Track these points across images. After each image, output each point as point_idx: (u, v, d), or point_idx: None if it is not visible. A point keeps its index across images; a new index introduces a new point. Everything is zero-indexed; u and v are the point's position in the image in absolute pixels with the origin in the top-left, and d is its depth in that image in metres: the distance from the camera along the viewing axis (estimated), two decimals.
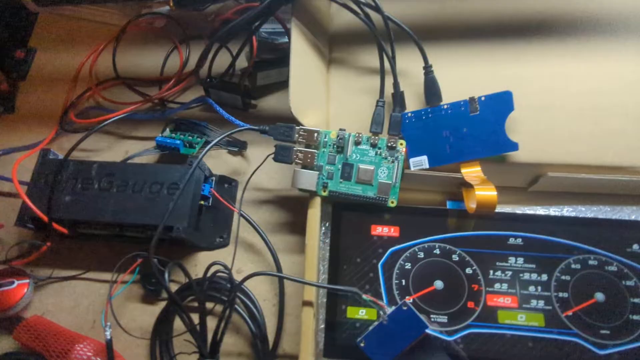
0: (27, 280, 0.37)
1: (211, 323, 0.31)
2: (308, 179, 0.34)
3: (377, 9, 0.31)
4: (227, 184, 0.41)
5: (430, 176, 0.35)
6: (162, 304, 0.37)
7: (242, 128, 0.35)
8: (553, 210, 0.36)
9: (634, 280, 0.32)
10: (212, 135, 0.41)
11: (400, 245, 0.34)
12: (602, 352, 0.30)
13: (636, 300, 0.32)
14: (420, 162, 0.35)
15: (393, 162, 0.34)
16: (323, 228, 0.36)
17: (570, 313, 0.32)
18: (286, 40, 0.44)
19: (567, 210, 0.36)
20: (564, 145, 0.34)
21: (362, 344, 0.29)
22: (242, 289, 0.35)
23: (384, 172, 0.34)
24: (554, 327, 0.31)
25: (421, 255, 0.34)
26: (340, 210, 0.36)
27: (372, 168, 0.34)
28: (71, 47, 0.50)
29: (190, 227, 0.35)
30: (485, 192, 0.32)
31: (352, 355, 0.31)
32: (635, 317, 0.31)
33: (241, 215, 0.36)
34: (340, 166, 0.34)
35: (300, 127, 0.34)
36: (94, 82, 0.47)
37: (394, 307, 0.29)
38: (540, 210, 0.36)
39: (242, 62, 0.44)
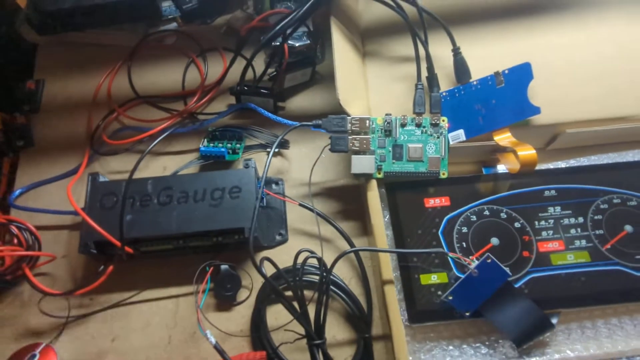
0: (43, 345, 0.34)
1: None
2: (366, 163, 0.37)
3: (413, 2, 0.35)
4: (274, 184, 0.42)
5: (468, 147, 0.39)
6: (239, 309, 0.37)
7: (296, 125, 0.37)
8: (573, 163, 0.41)
9: None
10: (261, 137, 0.42)
11: (453, 212, 0.38)
12: None
13: None
14: (457, 136, 0.39)
15: (438, 137, 0.37)
16: None
17: (608, 246, 0.36)
18: (304, 43, 0.46)
19: (583, 162, 0.42)
20: (576, 105, 0.39)
21: (450, 297, 0.32)
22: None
23: (432, 148, 0.37)
24: (598, 261, 0.36)
25: (474, 218, 0.37)
26: (394, 191, 0.39)
27: (421, 145, 0.37)
28: (80, 73, 0.49)
29: (257, 227, 0.37)
30: (527, 152, 0.36)
31: (434, 317, 0.34)
32: None
33: (318, 212, 0.38)
34: (390, 148, 0.37)
35: (352, 116, 0.36)
36: (114, 104, 0.46)
37: (477, 261, 0.32)
38: (562, 164, 0.41)
39: (259, 68, 0.46)
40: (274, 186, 0.42)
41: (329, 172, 0.43)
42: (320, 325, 0.32)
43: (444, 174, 0.37)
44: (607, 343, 0.33)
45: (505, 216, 0.37)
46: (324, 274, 0.33)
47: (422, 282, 0.35)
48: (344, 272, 0.39)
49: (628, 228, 0.37)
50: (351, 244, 0.38)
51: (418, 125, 0.37)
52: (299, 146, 0.44)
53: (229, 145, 0.42)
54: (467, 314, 0.32)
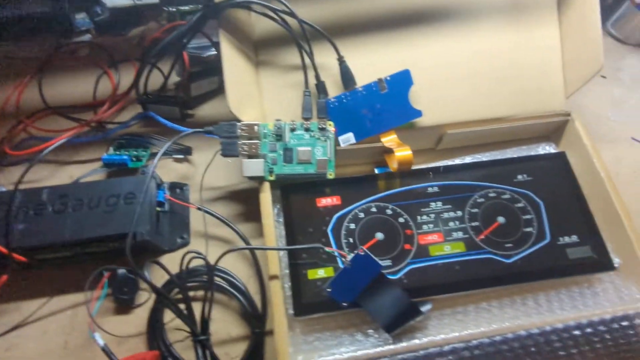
0: None
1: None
2: (255, 167, 0.39)
3: (292, 14, 0.37)
4: (178, 189, 0.44)
5: (358, 149, 0.42)
6: (138, 311, 0.39)
7: (189, 132, 0.39)
8: (458, 161, 0.45)
9: (522, 202, 0.41)
10: (160, 145, 0.43)
11: (343, 210, 0.40)
12: (509, 261, 0.39)
13: (526, 217, 0.40)
14: (348, 139, 0.41)
15: (325, 140, 0.40)
16: (275, 210, 0.41)
17: (482, 237, 0.39)
18: (211, 53, 0.48)
19: (468, 159, 0.45)
20: (455, 108, 0.43)
21: (329, 289, 0.34)
22: (222, 270, 0.38)
23: (320, 151, 0.40)
24: (472, 250, 0.39)
25: (361, 215, 0.40)
26: (288, 192, 0.41)
27: (309, 149, 0.39)
28: None
29: (152, 231, 0.38)
30: (403, 153, 0.39)
31: (318, 309, 0.36)
32: (527, 230, 0.40)
33: (207, 210, 0.40)
34: (281, 152, 0.39)
35: (242, 123, 0.38)
36: (23, 115, 0.47)
37: (352, 254, 0.34)
38: (449, 163, 0.45)
39: (172, 78, 0.47)
40: (178, 191, 0.44)
41: (232, 176, 0.45)
42: (205, 321, 0.33)
43: (331, 174, 0.40)
44: (472, 325, 0.36)
45: (390, 212, 0.40)
46: (210, 270, 0.34)
47: (309, 276, 0.37)
48: (243, 272, 0.40)
49: (500, 219, 0.40)
50: (245, 241, 0.39)
51: (307, 130, 0.40)
52: (205, 152, 0.46)
53: (134, 152, 0.44)
54: (345, 304, 0.35)
